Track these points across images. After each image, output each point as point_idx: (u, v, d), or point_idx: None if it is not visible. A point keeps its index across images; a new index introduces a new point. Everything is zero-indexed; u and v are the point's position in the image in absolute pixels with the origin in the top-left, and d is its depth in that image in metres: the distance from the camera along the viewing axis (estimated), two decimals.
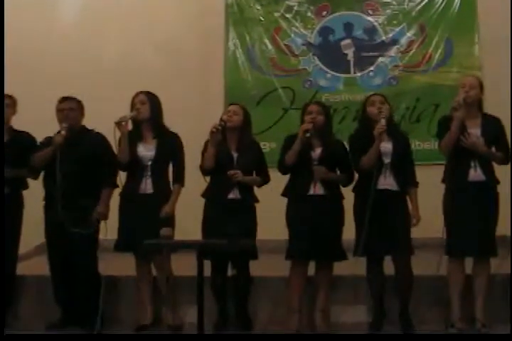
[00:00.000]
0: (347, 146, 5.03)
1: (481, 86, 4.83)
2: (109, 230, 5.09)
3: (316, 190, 4.83)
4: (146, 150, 5.04)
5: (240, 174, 4.88)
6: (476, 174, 4.73)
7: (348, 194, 4.96)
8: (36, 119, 5.59)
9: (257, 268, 5.01)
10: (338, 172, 4.98)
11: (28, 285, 5.42)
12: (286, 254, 4.87)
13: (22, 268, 5.35)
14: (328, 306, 4.94)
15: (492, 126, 4.79)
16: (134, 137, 5.07)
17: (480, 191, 4.71)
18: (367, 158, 4.79)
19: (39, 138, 5.25)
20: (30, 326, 5.09)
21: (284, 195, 4.96)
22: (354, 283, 5.18)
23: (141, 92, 5.13)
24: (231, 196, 4.90)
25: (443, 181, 4.84)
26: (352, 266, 5.02)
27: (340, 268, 4.99)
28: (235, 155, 4.97)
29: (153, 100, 5.11)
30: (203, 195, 5.02)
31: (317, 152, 4.87)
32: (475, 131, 4.75)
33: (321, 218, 4.78)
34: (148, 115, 5.08)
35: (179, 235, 4.77)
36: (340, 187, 4.97)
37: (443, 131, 4.80)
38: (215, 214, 4.88)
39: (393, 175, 4.80)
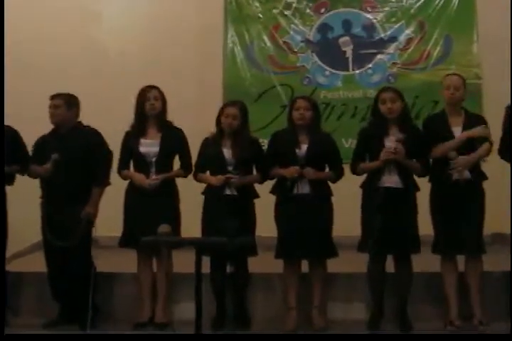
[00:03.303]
0: (345, 142, 5.05)
1: (464, 84, 4.88)
2: (106, 227, 5.10)
3: (301, 189, 4.83)
4: (150, 146, 5.02)
5: (235, 180, 4.86)
6: (460, 172, 4.72)
7: (339, 191, 4.96)
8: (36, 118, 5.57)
9: (255, 265, 5.01)
10: (327, 168, 4.98)
11: (27, 282, 5.43)
12: (276, 253, 4.90)
13: (20, 265, 5.35)
14: (324, 303, 4.95)
15: (475, 124, 4.81)
16: (136, 132, 5.06)
17: (465, 189, 4.71)
18: (362, 168, 4.86)
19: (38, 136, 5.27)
20: (30, 323, 5.10)
21: (272, 192, 4.97)
22: (352, 280, 5.19)
23: (154, 87, 5.10)
24: (227, 192, 4.90)
25: (429, 180, 4.86)
26: (350, 264, 5.03)
27: (338, 266, 4.99)
28: (232, 152, 4.95)
29: (163, 96, 5.11)
30: (203, 193, 5.02)
31: (303, 149, 4.87)
32: (457, 129, 4.78)
33: (307, 217, 4.78)
34: (159, 111, 5.07)
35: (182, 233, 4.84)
36: (329, 184, 4.98)
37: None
38: (214, 211, 4.89)
39: (398, 172, 4.78)
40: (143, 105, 5.06)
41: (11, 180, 5.18)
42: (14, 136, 5.17)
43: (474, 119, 4.86)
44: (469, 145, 4.74)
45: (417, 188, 4.87)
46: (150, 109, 5.04)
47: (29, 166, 5.11)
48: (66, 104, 5.12)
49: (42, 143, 5.16)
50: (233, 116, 4.97)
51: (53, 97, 5.16)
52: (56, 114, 5.10)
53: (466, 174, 4.73)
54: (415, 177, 4.89)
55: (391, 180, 4.77)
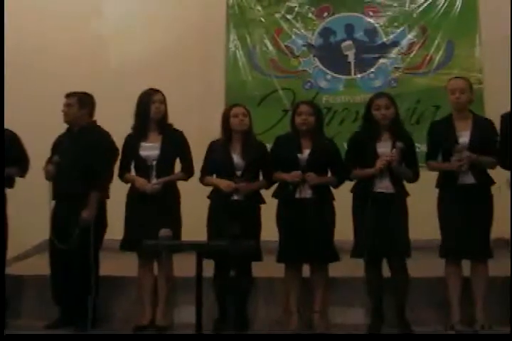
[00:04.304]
0: (344, 146, 5.07)
1: (470, 87, 4.87)
2: (108, 230, 5.10)
3: (303, 193, 4.82)
4: (150, 150, 5.01)
5: (243, 186, 4.86)
6: (467, 177, 4.73)
7: (339, 195, 4.96)
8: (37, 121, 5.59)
9: (257, 269, 5.00)
10: (329, 173, 4.98)
11: (28, 285, 5.42)
12: (277, 258, 4.89)
13: (21, 268, 5.34)
14: (326, 307, 4.94)
15: (482, 128, 4.80)
16: (137, 136, 5.05)
17: (471, 193, 4.71)
18: (356, 174, 4.86)
19: (41, 138, 5.25)
20: (31, 326, 5.09)
21: (274, 196, 4.97)
22: (352, 284, 5.18)
23: (157, 90, 5.10)
24: (234, 197, 4.90)
25: (437, 186, 4.85)
26: (350, 268, 5.02)
27: (338, 270, 4.98)
28: (241, 157, 4.95)
29: (165, 99, 5.10)
30: (209, 197, 5.02)
31: (305, 154, 4.87)
32: (465, 133, 4.77)
33: (309, 221, 4.76)
34: (163, 114, 5.07)
35: (184, 236, 4.84)
36: (331, 188, 4.97)
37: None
38: (219, 215, 4.88)
39: (389, 177, 4.78)
40: (147, 108, 5.05)
41: (10, 183, 5.18)
42: (13, 138, 5.17)
43: (483, 124, 4.84)
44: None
45: (406, 193, 4.88)
46: (156, 113, 5.04)
47: (28, 169, 5.12)
48: (79, 102, 5.09)
49: (58, 143, 5.16)
50: (243, 114, 4.98)
51: (67, 96, 5.14)
52: (68, 113, 5.08)
53: (471, 179, 4.72)
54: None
55: (383, 185, 4.78)
